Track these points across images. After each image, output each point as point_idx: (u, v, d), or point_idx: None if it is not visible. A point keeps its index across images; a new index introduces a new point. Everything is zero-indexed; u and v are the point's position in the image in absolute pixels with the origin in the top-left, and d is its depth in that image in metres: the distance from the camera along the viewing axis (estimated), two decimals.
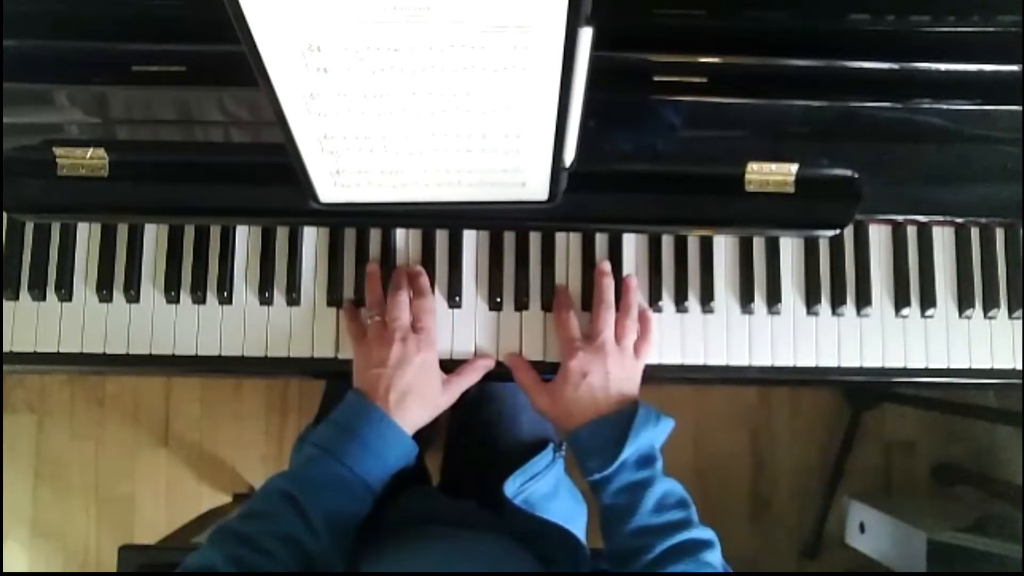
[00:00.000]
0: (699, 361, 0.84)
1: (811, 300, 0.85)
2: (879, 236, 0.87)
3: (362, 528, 0.74)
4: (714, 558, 0.69)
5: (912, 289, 0.86)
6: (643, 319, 0.82)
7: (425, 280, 0.82)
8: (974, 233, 0.87)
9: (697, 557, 0.68)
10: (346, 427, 0.72)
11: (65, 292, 0.83)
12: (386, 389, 0.73)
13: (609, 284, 0.81)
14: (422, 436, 0.78)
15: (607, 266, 0.83)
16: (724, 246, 0.86)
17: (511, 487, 0.82)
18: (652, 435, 0.74)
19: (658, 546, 0.68)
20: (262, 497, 0.69)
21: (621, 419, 0.73)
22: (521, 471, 0.85)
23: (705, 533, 0.71)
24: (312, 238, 0.85)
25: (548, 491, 0.89)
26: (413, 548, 0.73)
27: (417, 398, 0.75)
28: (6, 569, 1.69)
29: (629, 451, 0.72)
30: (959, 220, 0.86)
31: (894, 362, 0.85)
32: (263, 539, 0.64)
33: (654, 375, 0.85)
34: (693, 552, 0.69)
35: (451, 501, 0.89)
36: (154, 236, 0.84)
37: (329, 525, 0.66)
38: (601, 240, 0.85)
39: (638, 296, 0.83)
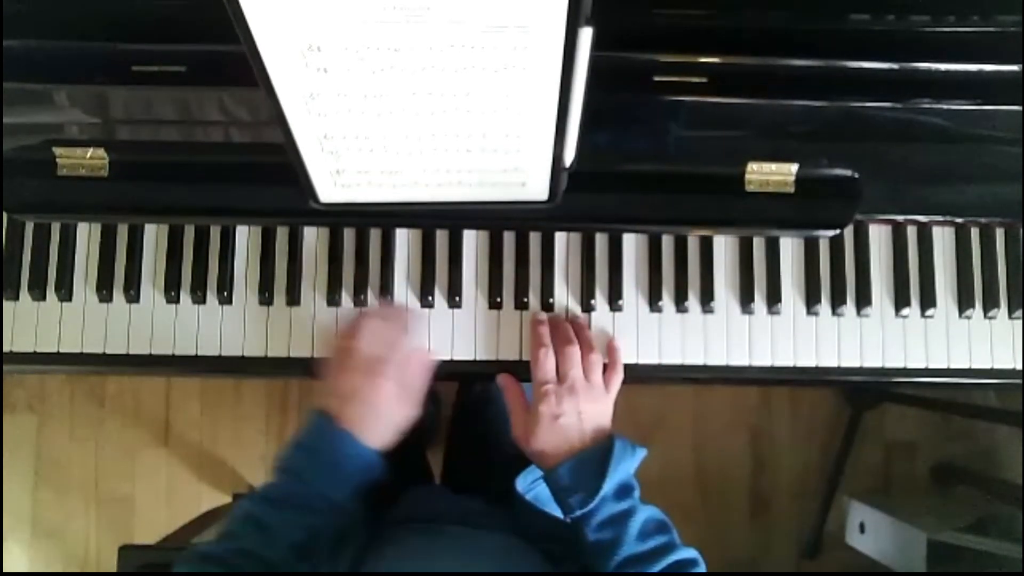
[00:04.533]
0: (699, 361, 0.84)
1: (811, 300, 0.85)
2: (879, 236, 0.87)
3: (368, 527, 0.74)
4: None
5: (912, 289, 0.86)
6: (611, 351, 0.81)
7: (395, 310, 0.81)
8: (974, 233, 0.87)
9: None
10: (305, 446, 0.75)
11: (65, 292, 0.83)
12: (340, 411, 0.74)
13: (564, 327, 0.80)
14: (422, 435, 0.78)
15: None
16: (724, 246, 0.86)
17: (522, 483, 0.82)
18: (629, 465, 0.74)
19: (648, 572, 0.69)
20: (229, 521, 0.71)
21: (598, 453, 0.73)
22: (531, 469, 0.85)
23: (689, 553, 0.71)
24: (312, 238, 0.85)
25: None
26: (422, 547, 0.72)
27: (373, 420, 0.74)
28: (6, 569, 1.69)
29: (610, 484, 0.71)
30: (959, 220, 0.86)
31: (894, 362, 0.85)
32: (224, 554, 0.66)
33: (655, 375, 0.85)
34: (683, 573, 0.69)
35: (458, 499, 0.89)
36: (154, 236, 0.84)
37: (289, 537, 0.68)
38: (601, 240, 0.85)
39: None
